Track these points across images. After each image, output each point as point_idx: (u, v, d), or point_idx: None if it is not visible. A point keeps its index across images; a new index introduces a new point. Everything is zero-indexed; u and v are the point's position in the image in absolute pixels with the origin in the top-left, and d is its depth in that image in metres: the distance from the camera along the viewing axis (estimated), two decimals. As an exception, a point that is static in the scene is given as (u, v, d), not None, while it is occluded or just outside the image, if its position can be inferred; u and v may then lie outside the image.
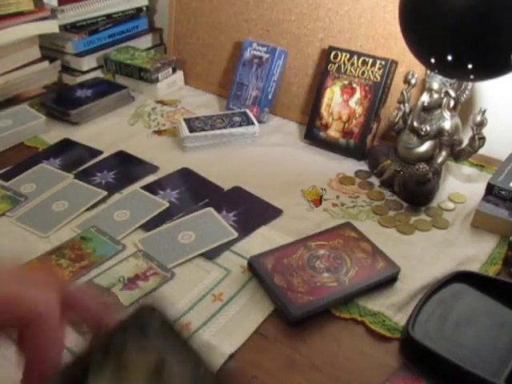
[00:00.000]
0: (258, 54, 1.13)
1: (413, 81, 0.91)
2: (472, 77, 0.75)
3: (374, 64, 0.99)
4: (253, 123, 1.06)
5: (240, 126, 1.05)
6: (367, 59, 0.99)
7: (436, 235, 0.81)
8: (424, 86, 0.90)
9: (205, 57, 1.26)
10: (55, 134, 1.06)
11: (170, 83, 1.25)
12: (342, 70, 1.02)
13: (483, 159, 0.98)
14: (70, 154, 0.99)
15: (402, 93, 0.93)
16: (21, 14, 1.11)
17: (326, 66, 1.04)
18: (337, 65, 1.02)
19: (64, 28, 1.21)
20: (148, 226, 0.81)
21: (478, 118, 0.85)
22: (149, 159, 0.98)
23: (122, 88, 1.19)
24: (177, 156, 1.01)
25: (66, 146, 1.03)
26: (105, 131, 1.08)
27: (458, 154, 0.90)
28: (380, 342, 0.64)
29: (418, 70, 0.92)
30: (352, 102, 1.01)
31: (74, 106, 1.10)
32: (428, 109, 0.89)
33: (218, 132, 1.03)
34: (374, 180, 0.95)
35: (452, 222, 0.84)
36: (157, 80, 1.21)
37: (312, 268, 0.71)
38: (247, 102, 1.13)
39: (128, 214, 0.84)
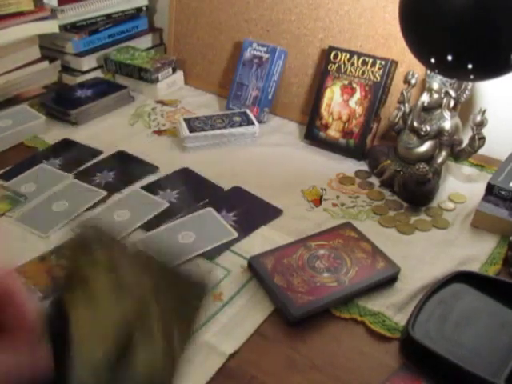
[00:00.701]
0: (257, 54, 1.13)
1: (413, 81, 0.91)
2: (472, 77, 0.75)
3: (374, 64, 0.99)
4: (253, 123, 1.06)
5: (240, 126, 1.05)
6: (367, 59, 0.99)
7: (436, 235, 0.81)
8: (424, 86, 0.90)
9: (205, 57, 1.26)
10: (55, 133, 1.06)
11: (170, 83, 1.25)
12: (342, 70, 1.02)
13: (483, 159, 0.98)
14: (69, 154, 0.99)
15: (402, 93, 0.93)
16: (21, 13, 1.11)
17: (325, 66, 1.04)
18: (337, 65, 1.02)
19: (64, 28, 1.21)
20: (148, 226, 0.81)
21: (478, 118, 0.85)
22: (149, 159, 0.98)
23: (121, 88, 1.19)
24: (177, 156, 1.01)
25: (65, 146, 1.03)
26: (105, 131, 1.08)
27: (458, 154, 0.90)
28: (380, 341, 0.64)
29: (418, 70, 0.92)
30: (352, 102, 1.01)
31: (74, 106, 1.10)
32: (428, 109, 0.89)
33: (217, 132, 1.03)
34: (374, 180, 0.95)
35: (452, 222, 0.84)
36: (157, 80, 1.21)
37: (312, 268, 0.71)
38: (247, 101, 1.13)
39: (128, 214, 0.84)
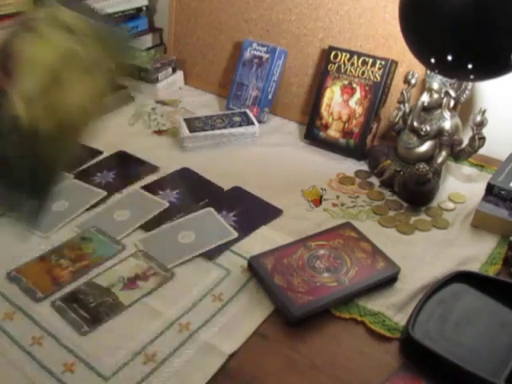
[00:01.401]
0: (258, 54, 1.13)
1: (413, 81, 0.91)
2: (472, 77, 0.75)
3: (374, 64, 0.99)
4: (253, 123, 1.06)
5: (240, 125, 1.05)
6: (367, 59, 0.99)
7: (436, 235, 0.81)
8: (424, 86, 0.90)
9: (205, 57, 1.26)
10: (55, 134, 1.06)
11: (170, 83, 1.25)
12: (342, 70, 1.02)
13: (483, 159, 0.98)
14: (69, 154, 0.99)
15: (402, 93, 0.93)
16: (21, 14, 1.11)
17: (326, 66, 1.04)
18: (337, 65, 1.02)
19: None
20: (148, 226, 0.81)
21: (478, 118, 0.85)
22: (149, 159, 0.98)
23: (122, 88, 1.19)
24: (177, 156, 1.00)
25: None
26: (105, 131, 1.08)
27: (458, 154, 0.90)
28: (380, 341, 0.64)
29: (418, 70, 0.92)
30: (352, 102, 1.01)
31: (74, 106, 1.10)
32: (428, 109, 0.89)
33: (217, 132, 1.03)
34: (374, 180, 0.95)
35: (452, 222, 0.84)
36: (157, 80, 1.21)
37: (312, 268, 0.71)
38: (247, 101, 1.13)
39: (128, 214, 0.84)
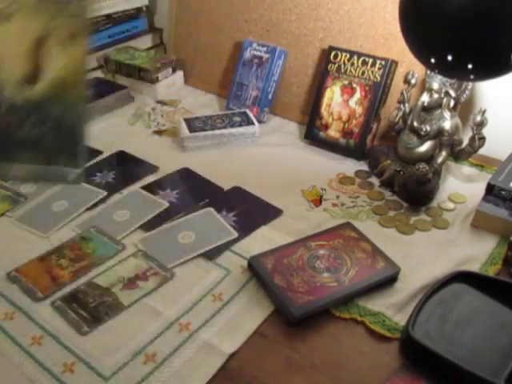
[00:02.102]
0: (258, 54, 1.13)
1: (413, 81, 0.91)
2: (472, 77, 0.75)
3: (374, 64, 0.99)
4: (253, 123, 1.06)
5: (240, 125, 1.05)
6: (367, 59, 0.99)
7: (436, 235, 0.81)
8: (424, 86, 0.90)
9: (205, 57, 1.26)
10: (55, 134, 1.06)
11: (170, 83, 1.25)
12: (342, 70, 1.02)
13: (483, 159, 0.98)
14: (69, 154, 0.99)
15: (402, 93, 0.93)
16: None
17: (326, 66, 1.04)
18: (337, 65, 1.02)
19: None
20: (148, 226, 0.81)
21: (478, 118, 0.85)
22: (149, 159, 0.98)
23: (122, 88, 1.19)
24: (177, 156, 1.01)
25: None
26: (105, 131, 1.08)
27: (458, 154, 0.90)
28: (380, 341, 0.64)
29: (418, 70, 0.92)
30: (352, 102, 1.01)
31: (74, 106, 1.10)
32: (428, 109, 0.89)
33: (217, 132, 1.03)
34: (374, 180, 0.95)
35: (452, 222, 0.84)
36: (157, 80, 1.21)
37: (312, 268, 0.71)
38: (247, 101, 1.13)
39: (128, 214, 0.84)
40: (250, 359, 0.61)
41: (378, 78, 0.98)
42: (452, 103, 0.88)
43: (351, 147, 1.01)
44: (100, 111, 1.13)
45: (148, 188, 0.90)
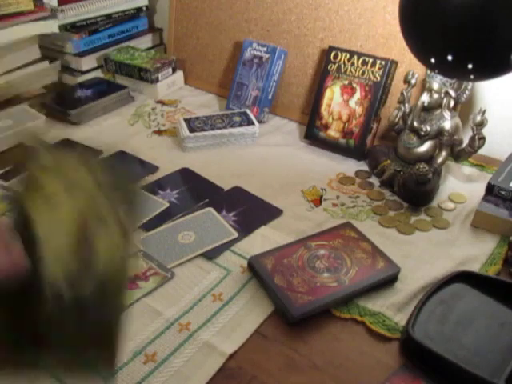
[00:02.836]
0: (258, 53, 1.13)
1: (413, 81, 0.91)
2: (472, 77, 0.75)
3: (374, 64, 0.99)
4: (253, 123, 1.06)
5: (240, 125, 1.05)
6: (367, 59, 0.99)
7: (436, 235, 0.81)
8: (424, 86, 0.90)
9: (205, 57, 1.26)
10: (55, 134, 1.06)
11: (170, 83, 1.25)
12: (342, 70, 1.02)
13: (483, 159, 0.98)
14: (69, 154, 0.99)
15: (402, 93, 0.93)
16: (21, 13, 1.11)
17: (325, 66, 1.04)
18: (337, 65, 1.02)
19: (64, 28, 1.21)
20: (148, 226, 0.81)
21: (478, 118, 0.85)
22: (149, 159, 0.98)
23: (122, 88, 1.19)
24: (177, 156, 1.00)
25: (66, 146, 1.02)
26: (105, 131, 1.08)
27: (458, 154, 0.90)
28: (380, 341, 0.64)
29: (418, 70, 0.92)
30: (352, 102, 1.01)
31: (74, 106, 1.10)
32: (428, 109, 0.89)
33: (217, 132, 1.03)
34: (374, 180, 0.95)
35: (452, 222, 0.84)
36: (157, 80, 1.21)
37: (312, 268, 0.71)
38: (247, 101, 1.13)
39: (128, 214, 0.84)
40: (250, 359, 0.61)
41: (378, 77, 0.98)
42: (452, 103, 0.88)
43: (351, 147, 1.01)
44: (100, 111, 1.13)
45: (148, 188, 0.90)
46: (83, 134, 1.07)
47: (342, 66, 1.02)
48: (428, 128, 0.88)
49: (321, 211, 0.86)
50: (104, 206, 0.41)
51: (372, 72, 0.99)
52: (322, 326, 0.66)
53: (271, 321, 0.66)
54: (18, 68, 1.17)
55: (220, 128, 1.04)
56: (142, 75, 1.21)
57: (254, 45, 1.14)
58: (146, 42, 1.37)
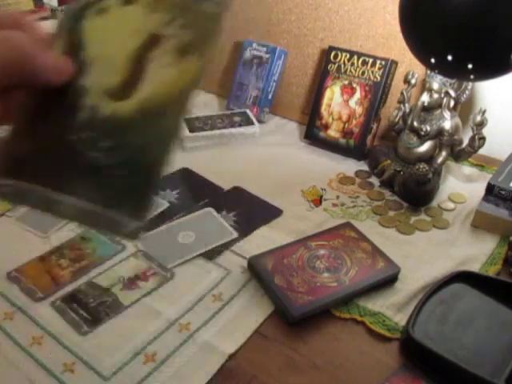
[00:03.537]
0: (258, 53, 1.13)
1: (413, 81, 0.91)
2: (472, 77, 0.75)
3: (374, 64, 0.99)
4: (253, 123, 1.06)
5: (240, 126, 1.05)
6: (367, 59, 0.99)
7: (436, 235, 0.81)
8: (424, 86, 0.90)
9: (205, 57, 1.26)
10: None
11: (170, 83, 1.25)
12: (342, 70, 1.02)
13: (483, 159, 0.98)
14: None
15: (402, 93, 0.93)
16: (21, 13, 1.11)
17: (325, 66, 1.04)
18: (337, 65, 1.02)
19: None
20: (148, 226, 0.81)
21: (478, 118, 0.85)
22: (149, 159, 0.98)
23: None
24: (177, 156, 1.00)
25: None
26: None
27: (458, 154, 0.90)
28: (380, 341, 0.64)
29: (418, 69, 0.92)
30: (352, 102, 1.01)
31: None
32: (428, 109, 0.89)
33: (217, 132, 1.03)
34: (374, 180, 0.95)
35: (452, 222, 0.84)
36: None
37: (312, 268, 0.71)
38: (247, 101, 1.13)
39: (128, 213, 0.84)
40: (250, 359, 0.61)
41: (378, 77, 0.98)
42: (452, 103, 0.88)
43: (351, 147, 1.01)
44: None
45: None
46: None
47: (342, 65, 1.02)
48: (428, 128, 0.88)
49: (321, 211, 0.86)
50: (176, 39, 0.37)
51: (372, 72, 0.99)
52: (321, 326, 0.66)
53: (271, 321, 0.66)
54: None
55: (220, 128, 1.04)
56: (142, 75, 1.21)
57: (254, 45, 1.14)
58: (145, 41, 1.37)
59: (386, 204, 0.88)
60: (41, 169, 0.35)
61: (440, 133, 0.88)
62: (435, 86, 0.88)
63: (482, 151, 0.89)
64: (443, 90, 0.88)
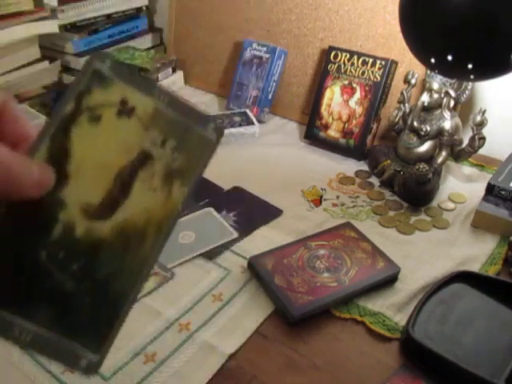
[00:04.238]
0: (258, 54, 1.13)
1: (413, 81, 0.91)
2: (472, 77, 0.75)
3: (374, 64, 0.99)
4: (253, 123, 1.06)
5: (240, 125, 1.05)
6: (367, 59, 0.99)
7: (436, 235, 0.81)
8: (424, 86, 0.90)
9: (205, 57, 1.26)
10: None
11: (170, 83, 1.25)
12: (342, 70, 1.02)
13: (483, 159, 0.98)
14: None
15: (402, 93, 0.93)
16: (21, 13, 1.11)
17: (325, 66, 1.04)
18: (337, 65, 1.02)
19: (64, 28, 1.21)
20: (148, 226, 0.81)
21: (478, 118, 0.85)
22: (149, 159, 0.98)
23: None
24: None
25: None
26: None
27: (458, 154, 0.90)
28: (380, 342, 0.64)
29: (418, 70, 0.92)
30: (352, 102, 1.01)
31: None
32: (428, 109, 0.89)
33: (217, 132, 1.03)
34: (374, 180, 0.95)
35: (452, 222, 0.84)
36: (157, 80, 1.21)
37: (312, 268, 0.71)
38: (247, 101, 1.13)
39: (128, 214, 0.84)
40: (250, 359, 0.61)
41: (378, 77, 0.98)
42: (452, 103, 0.88)
43: (351, 147, 1.01)
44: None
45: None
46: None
47: (342, 66, 1.02)
48: (428, 128, 0.88)
49: (321, 211, 0.86)
50: (158, 149, 0.35)
51: (372, 72, 0.99)
52: (321, 326, 0.66)
53: (271, 321, 0.66)
54: (18, 68, 1.17)
55: (220, 128, 1.04)
56: (142, 75, 1.21)
57: (254, 45, 1.14)
58: (145, 42, 1.37)
59: (386, 204, 0.88)
60: (2, 286, 0.32)
61: (440, 133, 0.88)
62: (435, 86, 0.88)
63: (482, 151, 0.89)
64: (443, 90, 0.88)
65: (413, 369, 0.60)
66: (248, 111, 1.09)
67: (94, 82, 0.34)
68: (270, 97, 1.12)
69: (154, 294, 0.69)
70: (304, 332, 0.65)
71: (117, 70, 0.35)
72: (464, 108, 0.97)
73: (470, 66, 0.71)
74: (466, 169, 0.97)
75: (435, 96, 0.88)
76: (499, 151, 0.96)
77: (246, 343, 0.63)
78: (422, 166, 0.84)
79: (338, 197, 0.90)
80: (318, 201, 0.89)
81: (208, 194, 0.89)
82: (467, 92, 0.90)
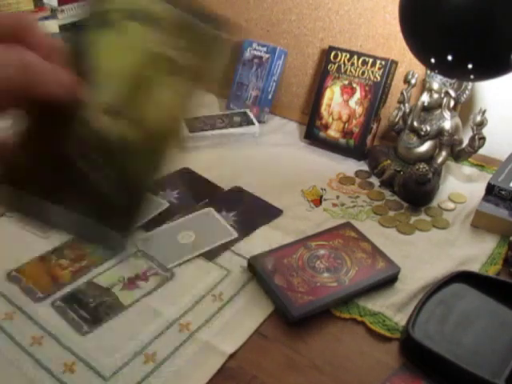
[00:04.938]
0: (258, 53, 1.13)
1: (413, 81, 0.91)
2: (472, 77, 0.75)
3: (374, 64, 0.99)
4: (253, 123, 1.06)
5: (240, 126, 1.05)
6: (367, 59, 0.99)
7: (436, 235, 0.81)
8: (424, 86, 0.90)
9: (205, 57, 1.26)
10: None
11: (170, 83, 1.25)
12: (342, 70, 1.02)
13: (483, 159, 0.98)
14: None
15: (402, 93, 0.93)
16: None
17: (325, 66, 1.04)
18: (337, 65, 1.02)
19: (64, 28, 1.21)
20: (148, 226, 0.81)
21: (478, 118, 0.85)
22: (149, 159, 0.98)
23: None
24: (177, 156, 1.00)
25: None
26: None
27: (458, 154, 0.90)
28: (380, 341, 0.64)
29: (418, 70, 0.92)
30: (352, 102, 1.01)
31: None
32: (428, 109, 0.89)
33: (217, 132, 1.03)
34: (374, 180, 0.95)
35: (452, 222, 0.84)
36: (157, 80, 1.21)
37: (312, 268, 0.71)
38: (247, 101, 1.13)
39: (128, 214, 0.84)
40: (250, 359, 0.61)
41: (378, 77, 0.98)
42: (452, 103, 0.88)
43: (351, 147, 1.01)
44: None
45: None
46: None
47: (342, 65, 1.02)
48: (428, 128, 0.88)
49: (321, 211, 0.86)
50: (179, 56, 0.37)
51: (372, 72, 0.99)
52: (322, 326, 0.66)
53: (271, 321, 0.66)
54: (18, 68, 1.17)
55: (220, 128, 1.04)
56: None
57: (254, 45, 1.14)
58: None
59: (386, 204, 0.88)
60: (39, 179, 0.35)
61: (440, 133, 0.88)
62: (435, 86, 0.88)
63: (482, 151, 0.89)
64: (443, 90, 0.88)
65: (413, 369, 0.60)
66: (248, 111, 1.09)
67: None
68: (269, 97, 1.12)
69: (154, 294, 0.69)
70: (304, 332, 0.65)
71: None
72: (464, 108, 0.97)
73: (470, 66, 0.71)
74: (466, 169, 0.97)
75: (435, 96, 0.88)
76: (499, 151, 0.96)
77: (246, 343, 0.63)
78: (421, 166, 0.84)
79: (338, 197, 0.90)
80: (317, 201, 0.89)
81: (208, 194, 0.89)
82: (467, 92, 0.90)
